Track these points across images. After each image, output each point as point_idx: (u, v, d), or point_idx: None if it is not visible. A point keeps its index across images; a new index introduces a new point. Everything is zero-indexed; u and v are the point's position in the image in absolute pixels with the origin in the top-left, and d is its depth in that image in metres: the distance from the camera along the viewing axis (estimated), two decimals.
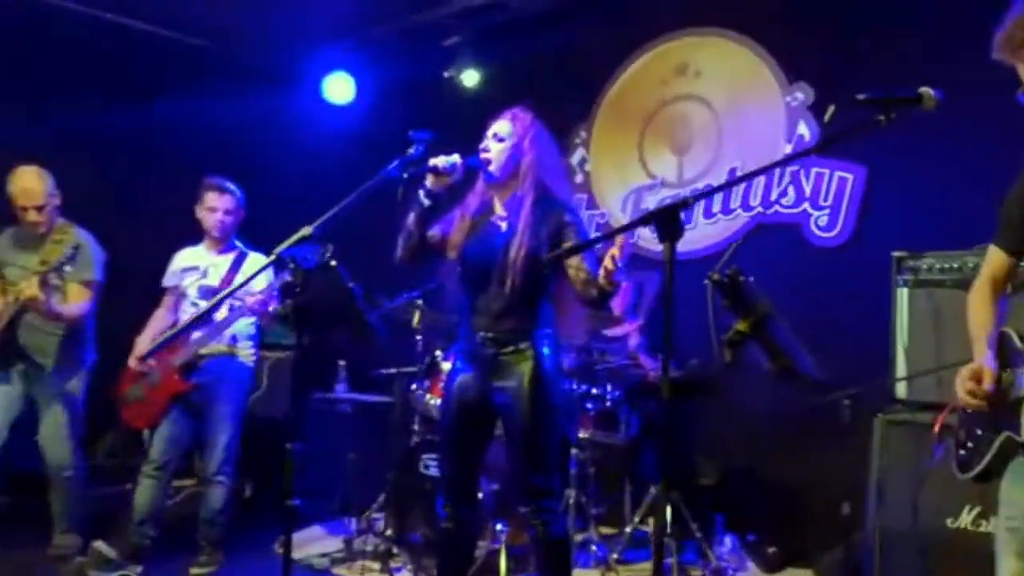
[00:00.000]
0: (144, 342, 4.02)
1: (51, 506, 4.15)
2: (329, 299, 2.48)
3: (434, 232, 2.92)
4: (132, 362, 3.98)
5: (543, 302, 2.83)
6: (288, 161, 6.05)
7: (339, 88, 6.00)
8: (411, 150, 2.68)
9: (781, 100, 4.53)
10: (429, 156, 2.74)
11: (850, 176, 4.26)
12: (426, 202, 2.84)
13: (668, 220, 1.80)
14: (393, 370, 4.56)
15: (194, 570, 4.00)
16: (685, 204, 1.82)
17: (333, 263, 2.60)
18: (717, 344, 1.82)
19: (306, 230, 2.20)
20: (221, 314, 3.88)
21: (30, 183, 3.96)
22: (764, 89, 4.59)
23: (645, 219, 1.84)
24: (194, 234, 4.21)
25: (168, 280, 4.17)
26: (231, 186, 4.09)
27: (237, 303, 3.82)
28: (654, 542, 1.80)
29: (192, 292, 4.04)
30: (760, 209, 4.53)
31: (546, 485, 2.75)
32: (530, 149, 2.83)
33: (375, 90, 6.08)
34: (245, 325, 4.05)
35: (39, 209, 3.96)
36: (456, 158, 2.80)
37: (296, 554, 4.26)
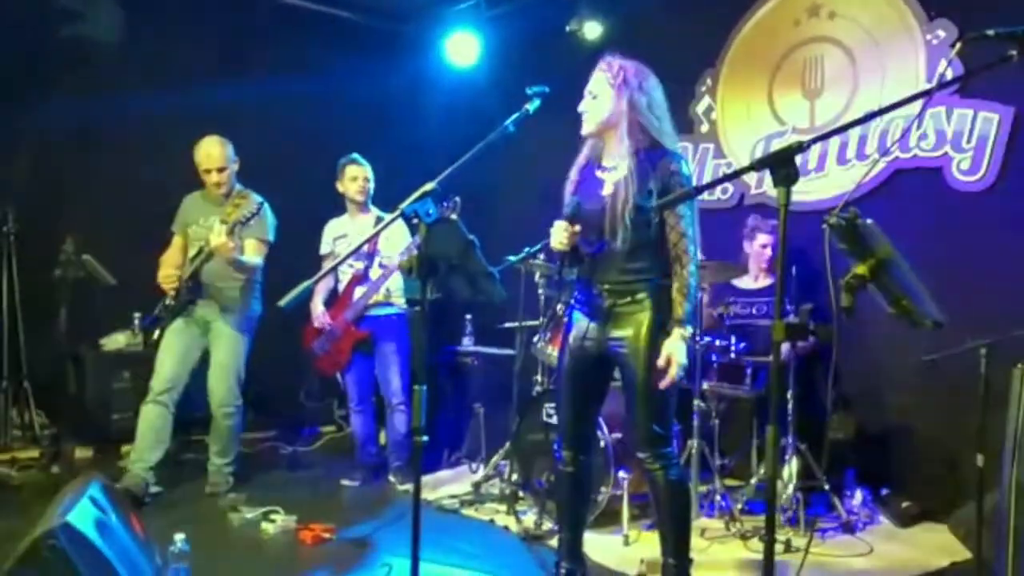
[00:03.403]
0: (318, 307, 4.69)
1: (209, 445, 4.55)
2: (450, 252, 2.56)
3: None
4: (316, 322, 4.66)
5: (658, 251, 2.81)
6: (416, 124, 6.21)
7: (463, 48, 6.05)
8: (528, 105, 2.71)
9: (921, 38, 4.27)
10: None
11: (996, 116, 3.99)
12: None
13: (783, 164, 1.77)
14: (516, 323, 4.67)
15: (393, 478, 4.72)
16: (800, 147, 1.78)
17: (453, 216, 2.68)
18: (834, 288, 1.78)
19: (429, 185, 2.28)
20: (375, 272, 4.59)
21: (213, 149, 4.40)
22: (902, 27, 4.34)
23: (759, 163, 1.81)
24: (326, 202, 4.77)
25: (325, 248, 4.80)
26: (363, 160, 4.73)
27: (387, 261, 4.56)
28: (767, 489, 1.80)
29: None
30: (898, 153, 4.31)
31: (663, 432, 2.78)
32: (620, 96, 2.77)
33: (498, 49, 6.12)
34: (394, 279, 4.65)
35: (220, 171, 4.39)
36: (569, 228, 2.83)
37: (428, 496, 4.50)
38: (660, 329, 2.74)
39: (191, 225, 4.49)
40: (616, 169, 2.81)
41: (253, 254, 4.41)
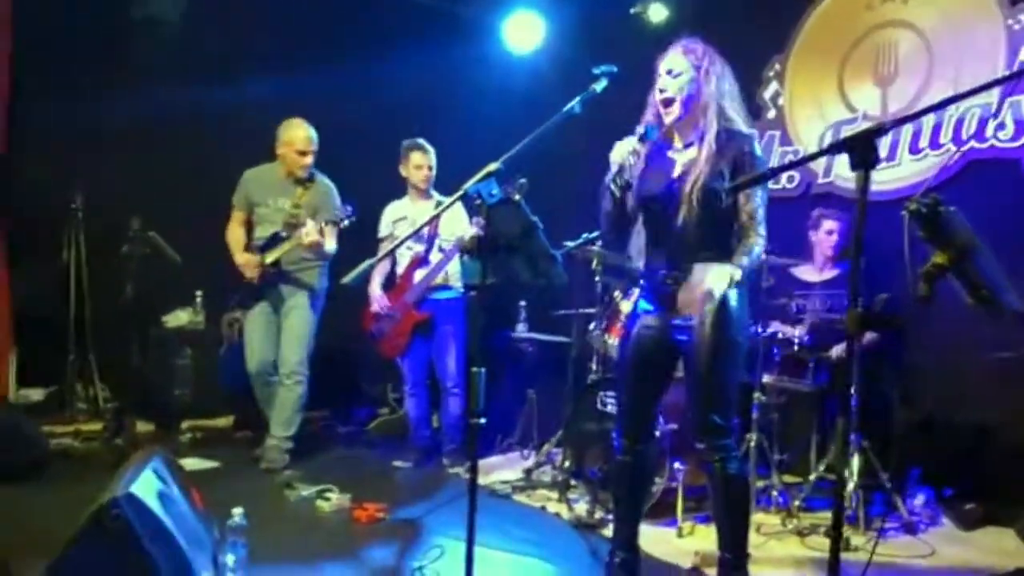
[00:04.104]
0: (376, 290, 4.72)
1: (269, 420, 4.60)
2: (512, 233, 2.52)
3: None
4: (374, 306, 4.68)
5: (727, 237, 2.75)
6: (476, 107, 6.18)
7: (524, 30, 5.98)
8: (596, 86, 2.66)
9: (1002, 23, 4.11)
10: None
11: None
12: (617, 193, 2.84)
13: (862, 147, 1.70)
14: (572, 311, 4.63)
15: (446, 461, 4.73)
16: (880, 130, 1.71)
17: (516, 197, 2.65)
18: (912, 277, 1.71)
19: (493, 165, 2.25)
20: (435, 256, 4.61)
21: (309, 131, 4.51)
22: (982, 11, 4.18)
23: (837, 146, 1.75)
24: (385, 185, 4.79)
25: (383, 231, 4.80)
26: (429, 145, 4.71)
27: (446, 244, 4.58)
28: (835, 482, 1.74)
29: None
30: (974, 143, 4.16)
31: (724, 423, 2.72)
32: (709, 79, 2.73)
33: (561, 32, 6.05)
34: (453, 263, 4.67)
35: (312, 154, 4.51)
36: (634, 143, 2.75)
37: (480, 480, 4.49)
38: (726, 317, 2.68)
39: (260, 205, 4.57)
40: (689, 150, 2.74)
41: (330, 240, 4.50)
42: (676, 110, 2.76)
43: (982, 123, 4.10)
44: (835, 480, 3.90)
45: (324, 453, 5.03)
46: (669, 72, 2.77)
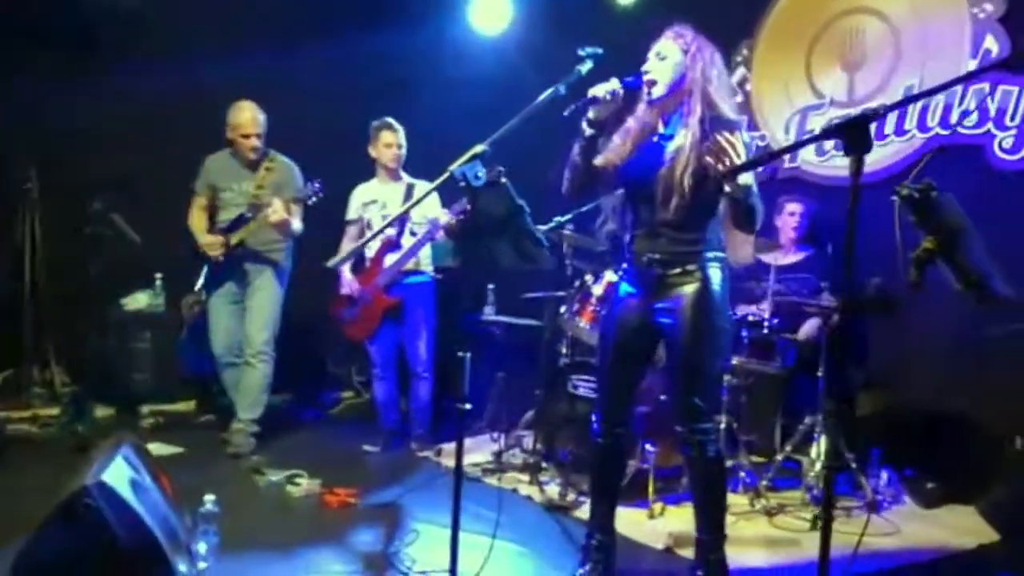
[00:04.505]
0: (347, 274, 4.62)
1: (235, 402, 4.54)
2: (498, 216, 2.50)
3: (599, 160, 2.89)
4: (345, 290, 4.59)
5: (711, 222, 2.76)
6: (447, 90, 6.10)
7: (493, 12, 5.88)
8: (581, 67, 2.64)
9: (967, 12, 4.18)
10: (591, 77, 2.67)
11: None
12: (588, 132, 2.79)
13: (857, 132, 1.71)
14: (541, 294, 4.61)
15: (414, 445, 4.71)
16: (876, 114, 1.72)
17: (503, 180, 2.62)
18: (903, 262, 1.72)
19: (479, 147, 2.21)
20: (407, 240, 4.52)
21: (255, 113, 4.44)
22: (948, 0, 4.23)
23: (832, 130, 1.75)
24: (352, 166, 4.68)
25: (352, 214, 4.70)
26: (398, 124, 4.61)
27: (417, 228, 4.51)
28: (826, 460, 1.75)
29: (376, 221, 4.58)
30: (939, 130, 4.23)
31: (705, 407, 2.73)
32: (695, 65, 2.74)
33: (529, 15, 5.98)
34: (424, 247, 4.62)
35: (259, 136, 4.43)
36: (615, 84, 2.73)
37: (448, 462, 4.49)
38: (709, 301, 2.70)
39: (223, 190, 4.51)
40: (676, 136, 2.74)
41: (296, 218, 4.47)
42: (660, 91, 2.76)
43: (947, 111, 4.17)
44: (802, 460, 4.02)
45: (290, 437, 4.97)
46: (658, 55, 2.78)
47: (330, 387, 5.89)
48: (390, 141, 4.61)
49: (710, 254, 2.75)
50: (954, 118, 4.18)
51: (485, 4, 5.89)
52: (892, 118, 4.42)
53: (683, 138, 2.70)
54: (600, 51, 2.60)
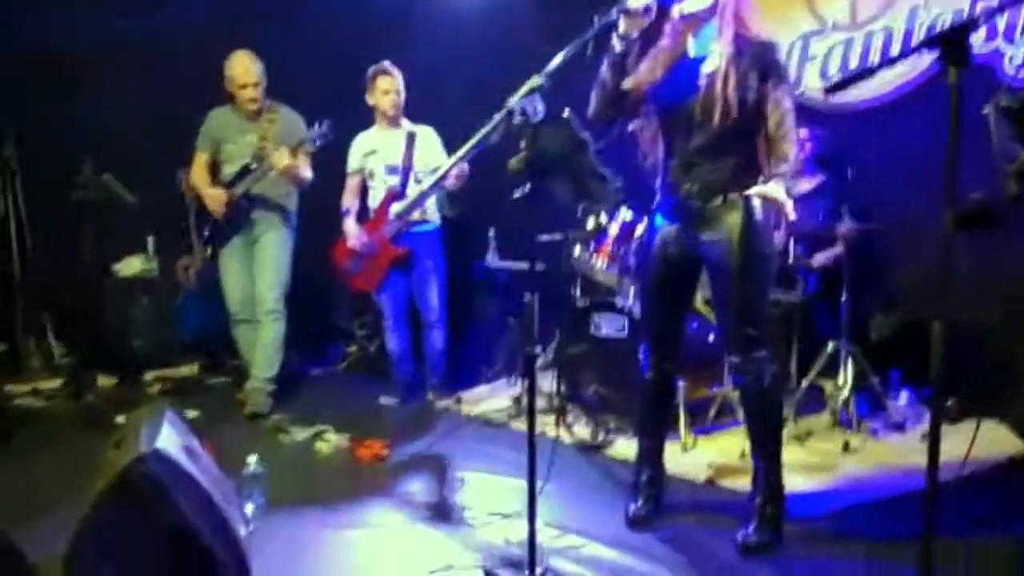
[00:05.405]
0: (352, 226, 4.46)
1: (250, 362, 4.48)
2: (560, 151, 2.41)
3: (628, 83, 2.79)
4: (352, 242, 4.43)
5: (749, 148, 2.68)
6: (441, 34, 5.89)
7: None
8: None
9: None
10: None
11: None
12: (619, 47, 2.66)
13: (954, 43, 1.66)
14: (552, 237, 4.51)
15: (431, 395, 4.63)
16: (974, 24, 1.67)
17: (566, 114, 2.52)
18: (1003, 175, 1.69)
19: (535, 80, 2.11)
20: (413, 190, 4.35)
21: (251, 64, 4.29)
22: None
23: (928, 42, 1.70)
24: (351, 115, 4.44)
25: (353, 164, 4.54)
26: (395, 69, 4.42)
27: (422, 176, 4.37)
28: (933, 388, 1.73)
29: (379, 171, 4.45)
30: None
31: (757, 335, 2.71)
32: None
33: None
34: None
35: (256, 86, 4.30)
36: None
37: (472, 411, 4.47)
38: (755, 230, 2.65)
39: (227, 142, 4.38)
40: (711, 57, 2.65)
41: (305, 166, 4.39)
42: (696, 3, 2.64)
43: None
44: (821, 388, 4.05)
45: (304, 394, 4.90)
46: None
47: (333, 341, 5.80)
48: (387, 87, 4.40)
49: (751, 182, 2.68)
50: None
51: None
52: (898, 40, 4.38)
53: (718, 58, 2.62)
54: None
